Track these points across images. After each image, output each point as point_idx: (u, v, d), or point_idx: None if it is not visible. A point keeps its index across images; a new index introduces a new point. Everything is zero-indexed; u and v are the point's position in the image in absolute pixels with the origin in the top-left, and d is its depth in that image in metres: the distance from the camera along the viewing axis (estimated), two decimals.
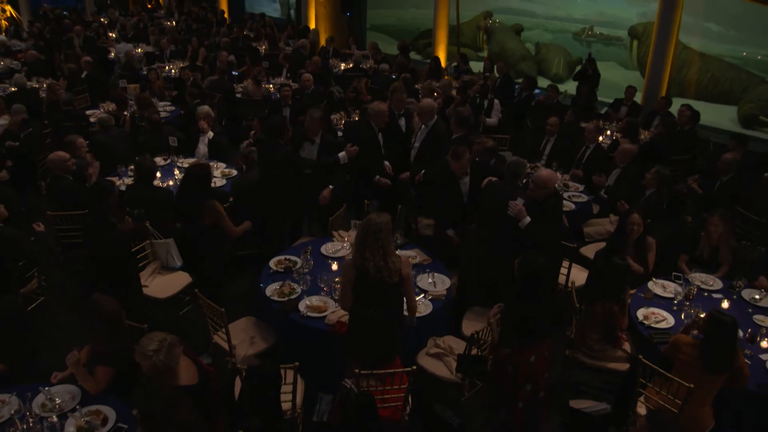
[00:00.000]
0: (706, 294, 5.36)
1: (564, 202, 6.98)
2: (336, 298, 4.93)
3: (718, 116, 11.13)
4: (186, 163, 7.70)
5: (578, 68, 12.19)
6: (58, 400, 3.82)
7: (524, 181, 5.86)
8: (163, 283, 5.85)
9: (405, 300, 4.35)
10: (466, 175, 6.08)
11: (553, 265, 5.68)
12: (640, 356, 4.31)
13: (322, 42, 16.77)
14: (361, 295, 4.23)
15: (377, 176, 7.03)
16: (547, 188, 5.36)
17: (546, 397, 4.37)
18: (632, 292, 5.40)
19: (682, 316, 4.98)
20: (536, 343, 4.20)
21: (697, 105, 10.12)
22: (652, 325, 4.86)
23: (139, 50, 14.73)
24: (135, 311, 4.64)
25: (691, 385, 4.01)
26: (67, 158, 6.38)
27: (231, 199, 6.61)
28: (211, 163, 7.67)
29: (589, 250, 6.52)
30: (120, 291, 4.75)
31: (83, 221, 6.02)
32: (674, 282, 5.44)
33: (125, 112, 9.22)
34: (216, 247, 5.72)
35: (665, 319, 4.95)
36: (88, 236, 5.23)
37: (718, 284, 5.50)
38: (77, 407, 3.79)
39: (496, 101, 10.07)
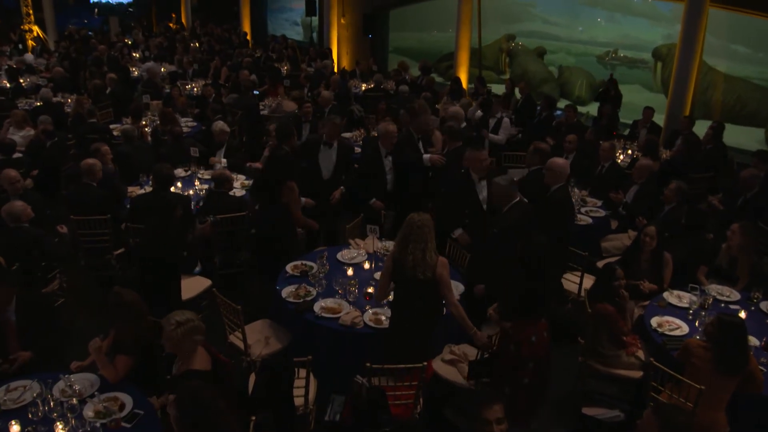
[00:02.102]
0: (723, 305, 5.43)
1: (581, 216, 7.18)
2: (350, 300, 5.12)
3: (744, 138, 11.23)
4: (207, 174, 7.98)
5: (600, 89, 12.37)
6: (77, 387, 4.01)
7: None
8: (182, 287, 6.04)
9: (444, 302, 4.56)
10: (482, 179, 6.26)
11: (555, 249, 5.75)
12: (651, 359, 4.41)
13: (345, 64, 17.20)
14: (399, 292, 4.51)
15: (373, 198, 7.05)
16: (557, 173, 5.79)
17: (548, 377, 4.53)
18: (645, 303, 5.51)
19: (697, 324, 5.07)
20: (535, 321, 4.36)
21: None
22: (666, 333, 4.95)
23: (163, 69, 15.21)
24: None
25: (702, 387, 4.10)
26: (98, 166, 6.70)
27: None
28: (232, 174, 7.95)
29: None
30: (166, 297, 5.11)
31: (150, 230, 5.94)
32: (690, 292, 5.52)
33: (144, 124, 9.57)
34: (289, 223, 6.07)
35: (679, 327, 5.03)
36: (155, 242, 5.46)
37: (736, 296, 5.57)
38: (96, 393, 3.98)
39: (507, 119, 10.19)
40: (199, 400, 3.13)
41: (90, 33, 21.53)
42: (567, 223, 6.30)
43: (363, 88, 14.28)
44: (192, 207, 6.80)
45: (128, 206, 6.91)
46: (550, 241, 4.71)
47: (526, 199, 5.81)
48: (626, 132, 11.10)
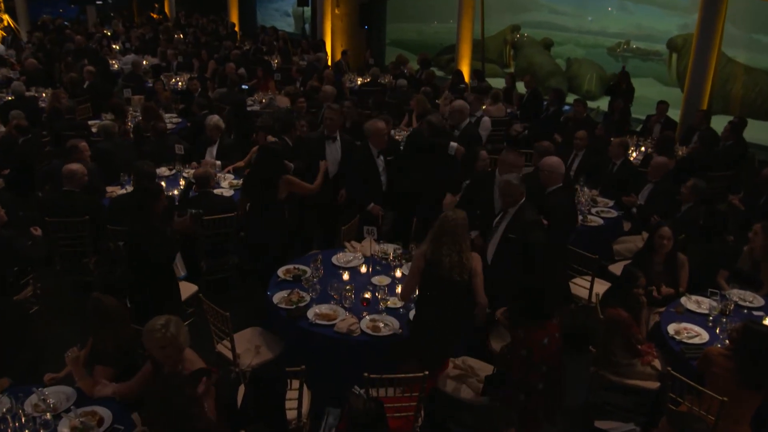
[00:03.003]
0: (745, 311, 5.40)
1: (592, 217, 7.17)
2: (347, 306, 5.10)
3: (767, 134, 11.22)
4: (191, 173, 7.93)
5: (611, 83, 12.38)
6: (52, 401, 3.96)
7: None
8: None
9: (475, 294, 4.64)
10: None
11: (556, 243, 5.80)
12: (669, 369, 4.39)
13: (338, 56, 17.19)
14: (428, 290, 4.55)
15: (371, 203, 6.94)
16: (552, 173, 5.78)
17: (563, 380, 4.55)
18: (661, 309, 5.49)
19: (718, 331, 5.05)
20: (546, 323, 4.36)
21: None
22: (684, 340, 4.93)
23: (145, 62, 15.20)
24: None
25: (725, 399, 4.08)
26: (81, 172, 6.63)
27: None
28: (219, 174, 7.94)
29: (618, 268, 6.57)
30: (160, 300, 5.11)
31: (130, 229, 5.85)
32: (710, 298, 5.50)
33: (128, 121, 9.54)
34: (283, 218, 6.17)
35: (699, 335, 5.01)
36: (138, 244, 5.37)
37: (760, 301, 5.54)
38: (72, 408, 3.92)
39: (486, 119, 9.86)
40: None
41: (66, 23, 21.49)
42: (567, 227, 6.29)
43: (359, 82, 14.27)
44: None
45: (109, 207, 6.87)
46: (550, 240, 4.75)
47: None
48: (638, 128, 11.10)
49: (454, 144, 7.11)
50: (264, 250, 6.12)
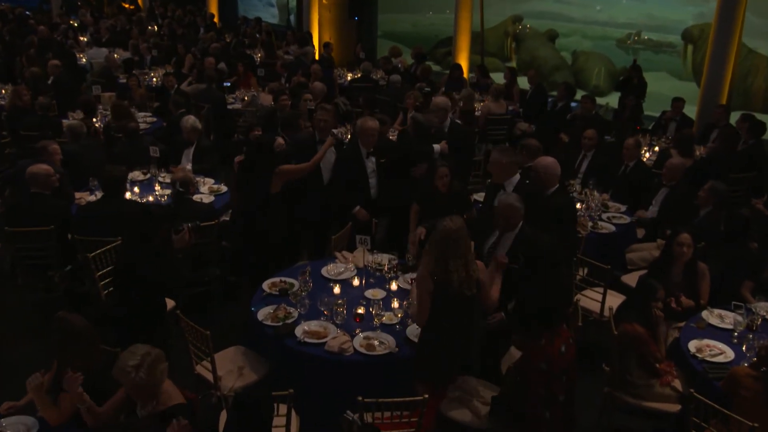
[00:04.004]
0: None
1: (603, 223, 7.15)
2: (338, 323, 5.05)
3: None
4: (168, 178, 7.85)
5: (621, 77, 12.38)
6: None
7: None
8: None
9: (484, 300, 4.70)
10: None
11: (563, 247, 5.71)
12: (691, 390, 4.34)
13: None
14: (438, 309, 4.50)
15: (357, 207, 6.93)
16: (548, 175, 5.88)
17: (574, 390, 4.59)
18: (680, 324, 5.46)
19: (744, 349, 5.00)
20: (559, 330, 4.40)
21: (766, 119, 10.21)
22: (707, 359, 4.89)
23: (116, 56, 15.10)
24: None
25: (755, 425, 4.02)
26: (51, 173, 6.55)
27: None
28: (198, 179, 7.85)
29: (632, 278, 6.59)
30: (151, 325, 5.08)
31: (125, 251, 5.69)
32: (734, 311, 5.44)
33: (95, 121, 9.48)
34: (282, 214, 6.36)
35: (723, 353, 4.96)
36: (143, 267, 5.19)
37: None
38: None
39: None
40: None
41: (27, 12, 21.33)
42: (572, 232, 6.26)
43: (348, 78, 14.24)
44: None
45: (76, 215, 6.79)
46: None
47: None
48: (651, 126, 11.09)
49: (438, 147, 7.14)
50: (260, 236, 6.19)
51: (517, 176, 6.01)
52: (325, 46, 16.20)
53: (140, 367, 3.61)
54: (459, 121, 9.20)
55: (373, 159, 7.01)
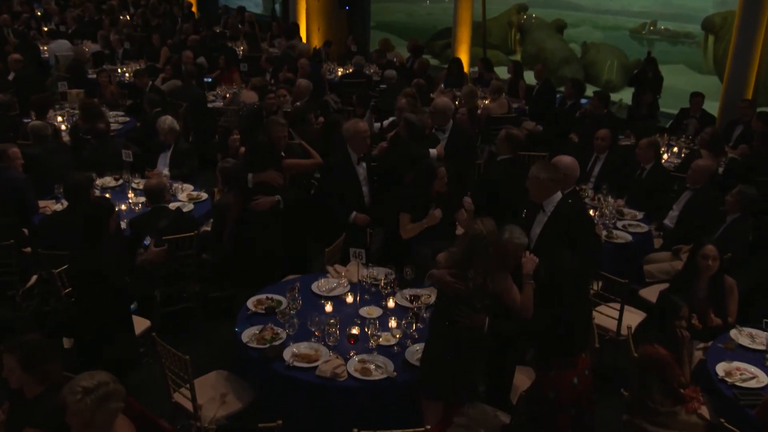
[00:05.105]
0: None
1: (618, 232, 7.14)
2: (331, 344, 5.02)
3: None
4: (142, 184, 7.78)
5: (635, 71, 12.37)
6: None
7: None
8: None
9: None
10: None
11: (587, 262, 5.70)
12: (721, 420, 4.29)
13: (316, 44, 17.15)
14: (443, 319, 4.56)
15: (354, 213, 6.89)
16: (569, 176, 5.94)
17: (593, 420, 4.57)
18: (707, 345, 5.41)
19: None
20: (575, 360, 4.38)
21: None
22: (737, 384, 4.85)
23: (85, 49, 15.03)
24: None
25: None
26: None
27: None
28: (176, 185, 7.80)
29: (650, 292, 6.59)
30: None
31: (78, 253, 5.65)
32: (766, 331, 5.43)
33: (61, 121, 9.44)
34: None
35: (755, 377, 4.92)
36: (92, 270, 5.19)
37: None
38: None
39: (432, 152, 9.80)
40: None
41: None
42: (592, 239, 6.19)
43: (339, 73, 14.21)
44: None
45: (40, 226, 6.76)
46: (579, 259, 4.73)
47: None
48: (668, 125, 11.06)
49: (434, 151, 7.13)
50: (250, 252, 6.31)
51: (559, 195, 5.78)
52: (325, 44, 16.19)
53: (90, 393, 3.48)
54: (459, 120, 9.21)
55: (365, 165, 6.98)
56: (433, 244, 5.73)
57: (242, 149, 8.13)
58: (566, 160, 6.24)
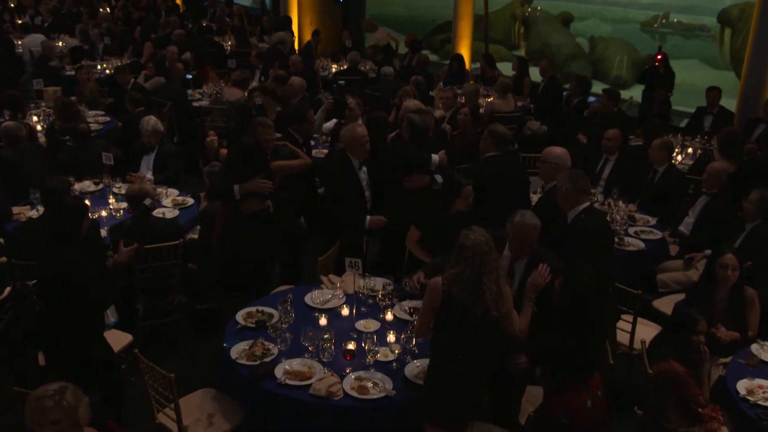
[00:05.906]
0: None
1: (630, 239, 7.12)
2: (325, 360, 5.00)
3: None
4: (124, 189, 7.75)
5: (646, 67, 12.38)
6: None
7: None
8: None
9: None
10: None
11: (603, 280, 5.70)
12: None
13: (307, 37, 17.14)
14: (452, 332, 4.49)
15: (368, 217, 6.93)
16: (559, 165, 5.97)
17: None
18: (726, 360, 5.39)
19: None
20: (589, 382, 4.38)
21: None
22: (760, 402, 4.82)
23: (61, 43, 15.02)
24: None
25: None
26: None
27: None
28: (160, 189, 7.77)
29: (665, 303, 6.57)
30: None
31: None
32: None
33: (36, 121, 9.40)
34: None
35: None
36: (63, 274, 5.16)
37: None
38: None
39: (435, 156, 9.67)
40: None
41: None
42: (608, 250, 6.16)
43: (333, 70, 14.20)
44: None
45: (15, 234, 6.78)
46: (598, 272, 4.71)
47: None
48: (682, 124, 11.07)
49: (436, 157, 7.16)
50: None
51: (582, 206, 5.77)
52: (314, 34, 16.18)
53: (64, 393, 3.57)
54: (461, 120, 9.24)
55: (365, 169, 6.98)
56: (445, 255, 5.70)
57: (223, 150, 8.15)
58: (557, 150, 6.41)
